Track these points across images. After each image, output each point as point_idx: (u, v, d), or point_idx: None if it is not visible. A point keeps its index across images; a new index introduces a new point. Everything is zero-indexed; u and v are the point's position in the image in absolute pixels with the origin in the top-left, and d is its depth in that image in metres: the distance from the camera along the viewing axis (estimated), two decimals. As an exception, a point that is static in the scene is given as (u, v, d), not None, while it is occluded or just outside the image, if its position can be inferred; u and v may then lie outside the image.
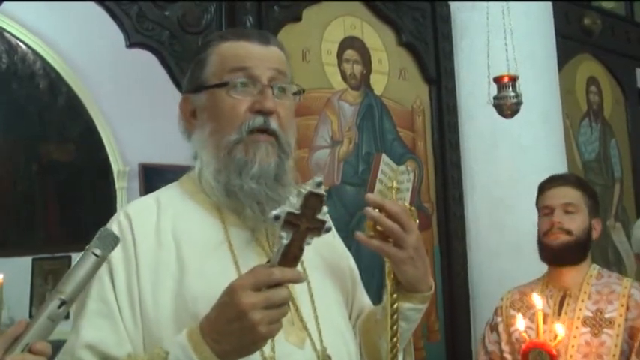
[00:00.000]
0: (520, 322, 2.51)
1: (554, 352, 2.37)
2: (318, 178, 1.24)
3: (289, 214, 1.21)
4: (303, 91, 1.55)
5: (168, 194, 1.53)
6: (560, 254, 2.54)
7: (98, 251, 1.22)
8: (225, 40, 1.50)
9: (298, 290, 1.43)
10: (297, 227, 1.22)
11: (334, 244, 1.65)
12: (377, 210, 1.42)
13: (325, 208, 1.25)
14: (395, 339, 1.47)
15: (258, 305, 1.17)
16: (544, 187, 2.65)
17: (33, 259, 5.83)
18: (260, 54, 1.47)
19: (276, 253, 1.23)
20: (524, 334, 2.46)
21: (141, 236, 1.41)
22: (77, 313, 1.38)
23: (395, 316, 1.47)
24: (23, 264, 5.78)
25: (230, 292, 1.20)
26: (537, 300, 2.48)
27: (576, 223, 2.54)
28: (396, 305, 1.48)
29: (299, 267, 1.43)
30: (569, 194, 2.58)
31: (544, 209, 2.61)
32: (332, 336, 1.45)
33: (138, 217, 1.45)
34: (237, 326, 1.19)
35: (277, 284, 1.20)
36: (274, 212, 1.22)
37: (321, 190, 1.24)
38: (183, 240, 1.42)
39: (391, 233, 1.41)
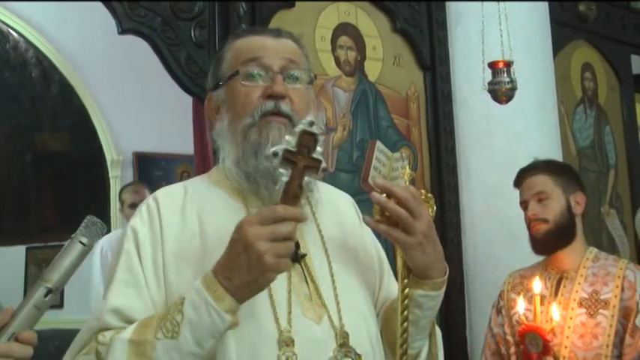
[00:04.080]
0: (520, 305, 2.54)
1: (548, 337, 2.41)
2: (310, 117, 1.34)
3: (286, 150, 1.28)
4: (315, 77, 1.65)
5: (196, 182, 1.65)
6: (545, 244, 2.59)
7: (84, 239, 1.22)
8: (240, 37, 1.62)
9: (318, 269, 1.51)
10: (294, 165, 1.29)
11: (363, 233, 1.69)
12: (384, 194, 1.42)
13: (320, 149, 1.32)
14: (405, 324, 1.48)
15: (264, 237, 1.24)
16: (517, 183, 2.69)
17: (27, 248, 5.84)
18: (271, 45, 1.56)
19: (278, 191, 1.29)
20: (523, 317, 2.50)
21: (167, 215, 1.50)
22: (106, 285, 1.46)
23: (405, 301, 1.48)
24: (17, 253, 5.79)
25: (237, 228, 1.28)
26: (536, 285, 2.51)
27: (551, 210, 2.56)
28: (406, 291, 1.49)
29: (322, 248, 1.55)
30: (537, 182, 2.60)
31: (521, 204, 2.65)
32: (351, 315, 1.49)
33: (165, 199, 1.55)
34: (245, 259, 1.25)
35: (282, 220, 1.26)
36: (272, 149, 1.30)
37: (314, 129, 1.31)
38: (207, 220, 1.51)
39: (398, 219, 1.42)
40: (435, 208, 1.51)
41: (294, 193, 1.28)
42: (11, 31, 5.65)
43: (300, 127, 1.30)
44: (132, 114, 5.73)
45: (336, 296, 1.49)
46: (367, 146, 3.52)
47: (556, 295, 2.56)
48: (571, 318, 2.49)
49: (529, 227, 2.61)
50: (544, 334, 2.41)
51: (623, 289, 2.47)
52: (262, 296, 1.37)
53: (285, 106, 1.50)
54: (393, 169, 3.56)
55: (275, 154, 1.28)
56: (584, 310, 2.49)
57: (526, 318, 2.51)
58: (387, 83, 3.70)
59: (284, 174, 1.28)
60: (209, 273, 1.30)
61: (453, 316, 3.70)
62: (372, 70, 3.65)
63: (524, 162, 2.75)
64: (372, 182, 1.51)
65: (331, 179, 3.32)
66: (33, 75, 5.81)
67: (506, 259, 3.30)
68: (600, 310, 2.47)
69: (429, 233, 1.45)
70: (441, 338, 1.66)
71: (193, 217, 1.51)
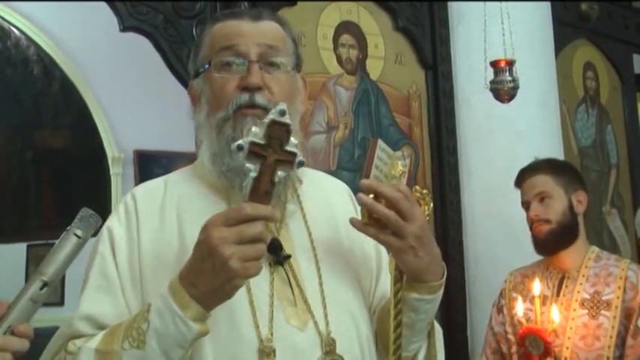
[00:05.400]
0: (519, 307, 2.53)
1: (549, 339, 2.40)
2: (281, 106, 1.20)
3: (253, 143, 1.17)
4: (298, 64, 1.52)
5: (178, 176, 1.55)
6: (548, 244, 2.57)
7: (79, 232, 1.21)
8: (218, 22, 1.50)
9: (305, 271, 1.42)
10: (264, 159, 1.17)
11: None
12: (371, 195, 1.32)
13: (294, 140, 1.20)
14: (399, 330, 1.38)
15: (229, 240, 1.14)
16: (517, 183, 2.67)
17: (27, 246, 5.82)
18: (249, 30, 1.44)
19: (245, 187, 1.20)
20: (523, 319, 2.48)
21: (144, 216, 1.43)
22: (81, 288, 1.40)
23: (399, 306, 1.38)
24: (18, 251, 5.78)
25: (202, 229, 1.19)
26: (536, 286, 2.49)
27: (553, 210, 2.54)
28: (399, 295, 1.39)
29: (309, 248, 1.45)
30: (538, 182, 2.58)
31: (523, 205, 2.64)
32: (340, 319, 1.40)
33: (143, 197, 1.47)
34: (210, 263, 1.16)
35: (250, 220, 1.15)
36: (237, 142, 1.17)
37: (286, 119, 1.19)
38: (186, 219, 1.42)
39: (387, 221, 1.31)
40: (431, 205, 1.41)
41: (264, 190, 1.17)
42: (13, 28, 5.64)
43: (269, 117, 1.18)
44: (133, 112, 5.72)
45: (323, 299, 1.40)
46: (369, 145, 3.51)
47: (558, 295, 2.54)
48: (573, 319, 2.48)
49: (531, 228, 2.59)
50: (545, 336, 2.40)
51: (625, 291, 2.45)
52: (242, 302, 1.30)
53: (261, 98, 1.39)
54: (394, 168, 3.54)
55: (240, 148, 1.16)
56: (586, 311, 2.47)
57: (527, 319, 2.50)
58: (389, 82, 3.69)
59: (252, 169, 1.17)
60: (175, 278, 1.22)
61: (454, 316, 3.70)
62: (374, 68, 3.65)
63: (526, 161, 2.74)
64: (361, 183, 1.39)
65: (333, 178, 3.32)
66: (34, 72, 5.80)
67: (508, 258, 3.29)
68: (602, 311, 2.45)
69: (422, 235, 1.33)
70: (442, 337, 1.58)
71: (172, 216, 1.43)
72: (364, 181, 1.35)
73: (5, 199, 5.81)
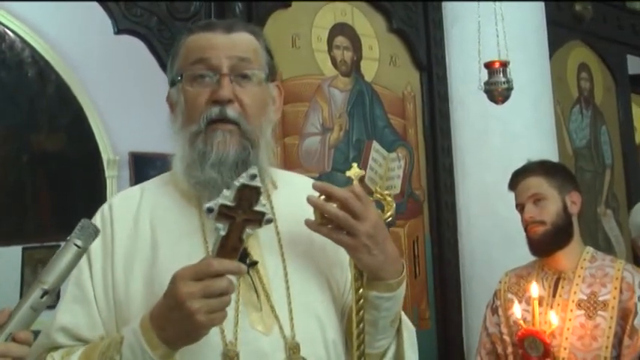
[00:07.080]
0: (517, 309, 2.53)
1: (548, 341, 2.40)
2: (253, 170, 1.24)
3: (223, 206, 1.23)
4: (272, 74, 1.55)
5: (154, 183, 1.60)
6: (543, 245, 2.57)
7: (79, 242, 1.25)
8: (192, 34, 1.53)
9: (272, 276, 1.45)
10: (233, 219, 1.23)
11: None
12: (322, 196, 1.37)
13: (263, 200, 1.26)
14: (361, 325, 1.43)
15: (196, 295, 1.20)
16: (511, 186, 2.67)
17: (23, 249, 5.81)
18: (221, 43, 1.47)
19: (214, 244, 1.25)
20: (521, 321, 2.49)
21: (119, 225, 1.48)
22: (61, 297, 1.46)
23: (360, 302, 1.42)
24: (13, 253, 5.77)
25: (172, 281, 1.24)
26: (534, 289, 2.50)
27: (547, 211, 2.55)
28: (360, 292, 1.43)
29: (278, 252, 1.48)
30: (532, 184, 2.59)
31: (517, 207, 2.64)
32: (305, 323, 1.43)
33: (119, 206, 1.52)
34: (177, 315, 1.22)
35: (217, 275, 1.22)
36: (207, 204, 1.23)
37: (256, 182, 1.24)
38: (159, 227, 1.46)
39: (337, 220, 1.36)
40: (393, 206, 1.43)
41: (232, 247, 1.24)
42: (7, 30, 5.63)
43: (239, 181, 1.23)
44: (128, 114, 5.72)
45: (289, 304, 1.43)
46: (364, 146, 3.53)
47: (554, 295, 2.55)
48: (570, 320, 2.48)
49: (526, 230, 2.59)
50: (544, 338, 2.40)
51: (621, 291, 2.45)
52: None
53: (232, 112, 1.43)
54: (389, 169, 3.56)
55: (210, 210, 1.22)
56: (583, 312, 2.47)
57: (524, 320, 2.51)
58: (384, 83, 3.70)
59: (221, 228, 1.23)
60: (147, 317, 1.28)
61: (449, 317, 3.71)
62: (369, 70, 3.65)
63: (520, 162, 2.74)
64: (312, 184, 1.44)
65: (328, 179, 3.32)
66: (29, 75, 5.79)
67: (503, 259, 3.30)
68: (599, 312, 2.45)
69: (375, 234, 1.37)
70: (414, 336, 1.58)
71: (146, 224, 1.47)
72: (315, 183, 1.40)
73: (1, 201, 5.80)
